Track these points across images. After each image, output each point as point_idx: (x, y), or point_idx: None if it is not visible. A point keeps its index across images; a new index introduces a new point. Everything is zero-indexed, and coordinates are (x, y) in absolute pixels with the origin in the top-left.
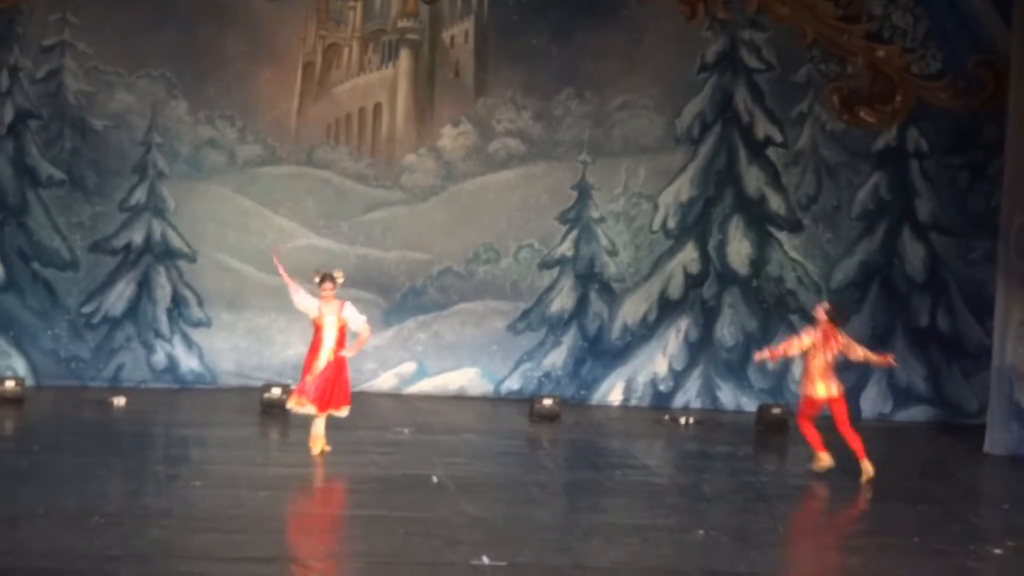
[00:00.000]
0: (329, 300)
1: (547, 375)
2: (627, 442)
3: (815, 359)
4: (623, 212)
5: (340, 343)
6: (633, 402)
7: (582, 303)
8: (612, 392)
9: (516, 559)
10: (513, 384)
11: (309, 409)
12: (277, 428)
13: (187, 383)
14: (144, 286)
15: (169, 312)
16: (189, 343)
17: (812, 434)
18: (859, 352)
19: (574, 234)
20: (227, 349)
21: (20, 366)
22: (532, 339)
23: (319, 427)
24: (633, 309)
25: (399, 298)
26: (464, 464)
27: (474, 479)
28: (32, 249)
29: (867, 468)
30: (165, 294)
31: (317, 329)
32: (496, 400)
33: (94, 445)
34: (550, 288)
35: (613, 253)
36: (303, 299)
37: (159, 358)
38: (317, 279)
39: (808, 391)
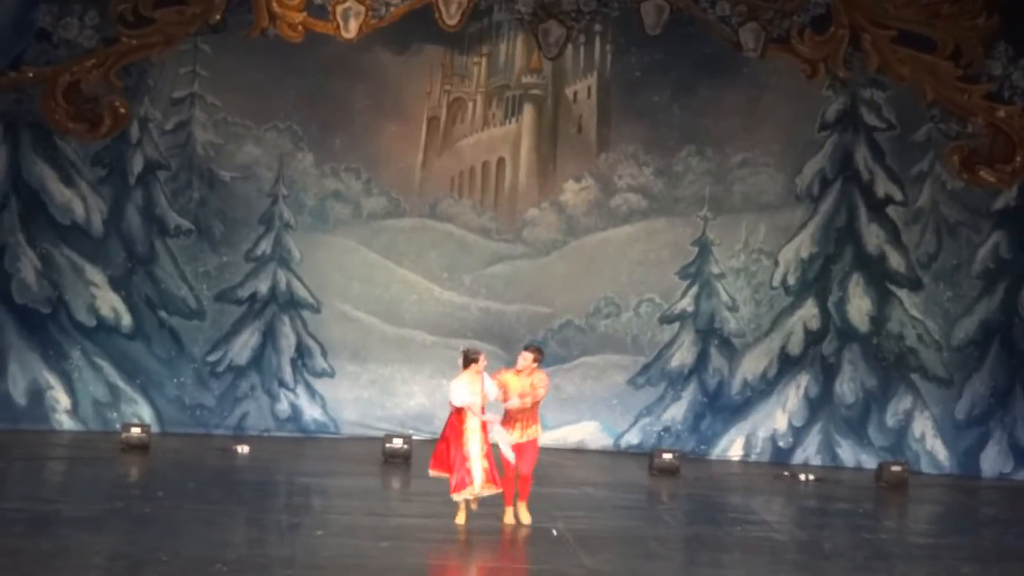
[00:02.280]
0: (476, 376)
1: (667, 429)
2: (747, 498)
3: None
4: (743, 268)
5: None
6: (753, 458)
7: (702, 358)
8: (732, 447)
9: None
10: (633, 438)
11: (495, 489)
12: (399, 478)
13: (310, 432)
14: (269, 335)
15: (293, 362)
16: (312, 393)
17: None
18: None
19: (694, 289)
20: (350, 399)
21: (146, 413)
22: (652, 393)
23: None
24: (753, 365)
25: (520, 351)
26: (584, 517)
27: (593, 532)
28: (159, 297)
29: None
30: (289, 344)
31: (461, 410)
32: (615, 454)
33: (217, 492)
34: (670, 343)
35: (733, 309)
36: (467, 399)
37: (283, 407)
38: (467, 359)
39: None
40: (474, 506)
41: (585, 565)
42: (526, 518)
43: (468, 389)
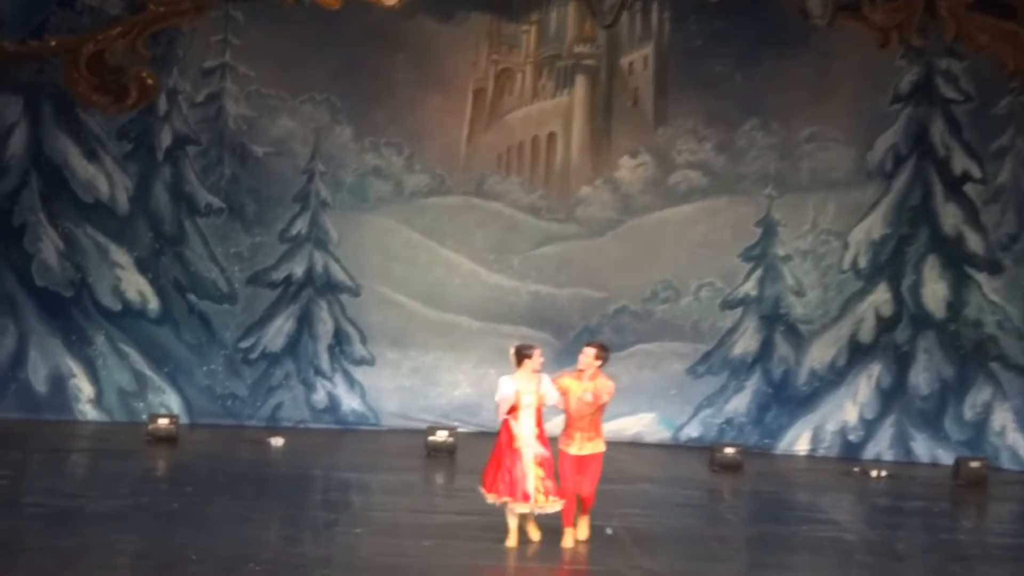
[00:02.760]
0: (530, 376)
1: (728, 422)
2: (814, 495)
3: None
4: (811, 250)
5: (541, 420)
6: (820, 452)
7: (766, 346)
8: (798, 441)
9: None
10: (692, 431)
11: (557, 504)
12: (443, 473)
13: (348, 424)
14: (304, 321)
15: (330, 349)
16: (351, 382)
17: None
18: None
19: (758, 273)
20: (391, 389)
21: (174, 403)
22: (713, 383)
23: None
24: (821, 353)
25: (572, 338)
26: (640, 515)
27: (651, 531)
28: (188, 280)
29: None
30: (327, 330)
31: (512, 409)
32: (674, 448)
33: (250, 488)
34: (732, 329)
35: (800, 293)
36: (503, 394)
37: (319, 397)
38: (519, 355)
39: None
40: (534, 534)
41: (642, 566)
42: (584, 533)
43: (521, 388)
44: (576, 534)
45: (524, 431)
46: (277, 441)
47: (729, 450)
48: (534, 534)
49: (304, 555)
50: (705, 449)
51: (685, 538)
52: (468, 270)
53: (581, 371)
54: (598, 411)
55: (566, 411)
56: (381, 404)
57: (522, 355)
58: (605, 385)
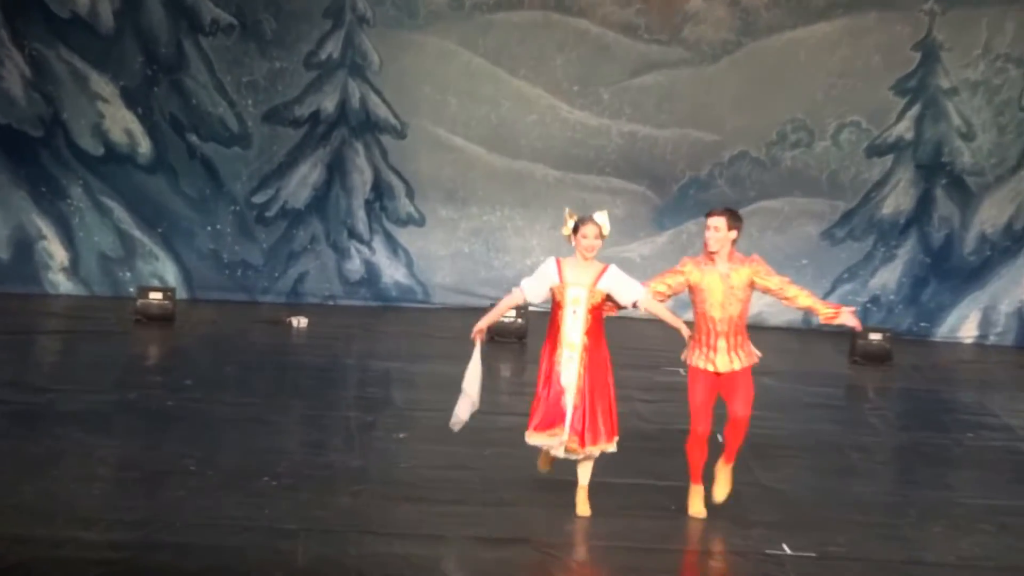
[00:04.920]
0: (586, 259)
1: (875, 300)
2: (982, 394)
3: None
4: (983, 81)
5: (596, 333)
6: (991, 339)
7: (924, 203)
8: (963, 326)
9: (827, 548)
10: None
11: (560, 450)
12: (509, 364)
13: (390, 300)
14: (336, 170)
15: (368, 205)
16: (394, 247)
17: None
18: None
19: (915, 110)
20: (444, 256)
21: (170, 272)
22: (855, 251)
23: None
24: (994, 213)
25: (677, 192)
26: (760, 419)
27: (773, 440)
28: (189, 117)
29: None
30: (364, 180)
31: (556, 307)
32: (805, 332)
33: (265, 381)
34: (881, 182)
35: (968, 137)
36: (532, 282)
37: (354, 266)
38: (570, 223)
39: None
40: (544, 468)
41: (761, 483)
42: (724, 491)
43: (568, 278)
44: (716, 492)
45: (567, 335)
46: (300, 321)
47: (875, 336)
48: (582, 505)
49: (332, 466)
50: (844, 335)
51: (817, 448)
52: (545, 105)
53: (712, 253)
54: (746, 304)
55: (697, 314)
56: (432, 275)
57: (576, 223)
58: (756, 268)
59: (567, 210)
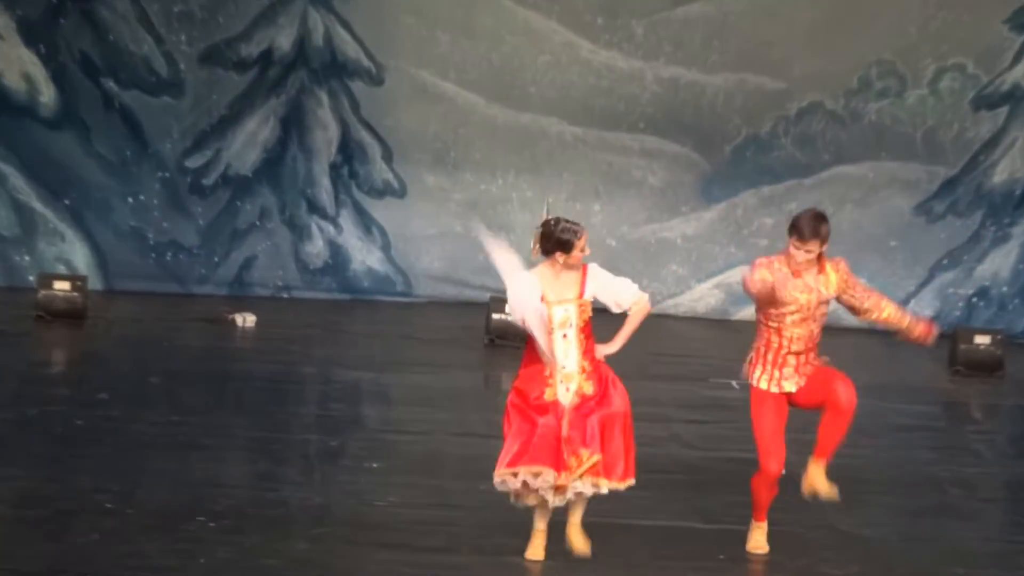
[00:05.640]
0: (559, 271)
1: (982, 294)
2: None
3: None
4: None
5: (590, 349)
6: None
7: None
8: None
9: None
10: (924, 306)
11: (552, 495)
12: (512, 372)
13: (361, 292)
14: (293, 125)
15: (334, 170)
16: (367, 224)
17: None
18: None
19: None
20: (431, 236)
21: (80, 257)
22: (959, 230)
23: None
24: None
25: (730, 154)
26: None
27: (852, 472)
28: (104, 57)
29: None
30: (328, 139)
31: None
32: (892, 336)
33: (201, 396)
34: (992, 142)
35: None
36: (518, 290)
37: (315, 249)
38: (554, 237)
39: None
40: (579, 542)
41: (835, 526)
42: (824, 486)
43: (548, 296)
44: (820, 485)
45: (561, 353)
46: (246, 319)
47: (982, 340)
48: (579, 541)
49: (286, 504)
50: (944, 337)
51: (905, 482)
52: (561, 43)
53: (793, 262)
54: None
55: (767, 327)
56: (414, 261)
57: (556, 236)
58: (847, 279)
59: (548, 200)
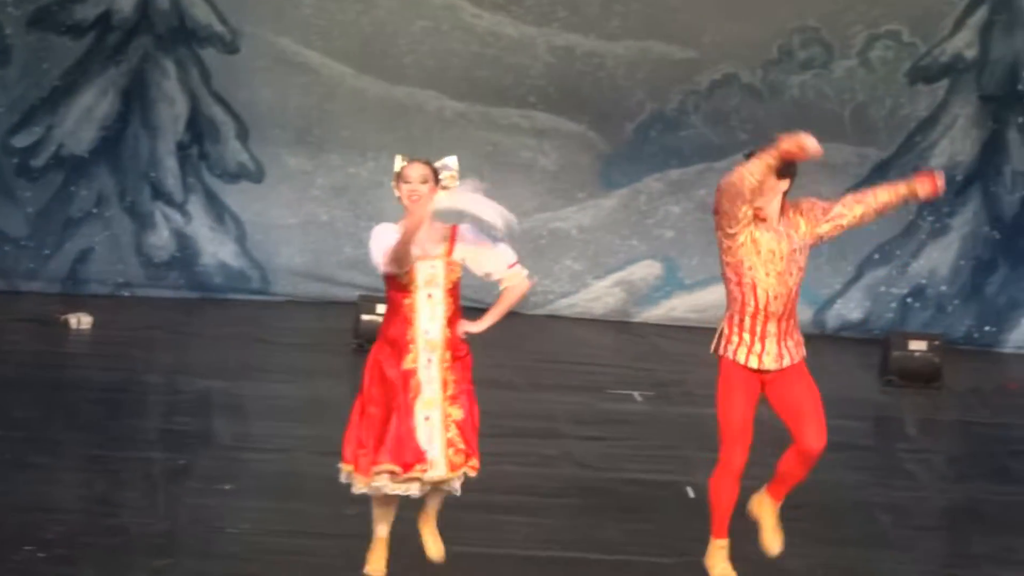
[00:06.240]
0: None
1: (918, 294)
2: None
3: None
4: None
5: (456, 317)
6: None
7: (992, 153)
8: None
9: None
10: (850, 310)
11: (389, 484)
12: None
13: (212, 290)
14: (135, 99)
15: (182, 151)
16: (219, 212)
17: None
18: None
19: (980, 15)
20: (292, 226)
21: None
22: (892, 222)
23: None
24: None
25: (632, 134)
26: (756, 463)
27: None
28: None
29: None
30: (176, 115)
31: (399, 294)
32: (817, 339)
33: (29, 407)
34: (930, 121)
35: None
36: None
37: (160, 240)
38: (398, 168)
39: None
40: (433, 548)
41: (749, 556)
42: (778, 539)
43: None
44: (768, 541)
45: (418, 327)
46: (81, 320)
47: (917, 346)
48: (435, 548)
49: (126, 531)
50: (874, 343)
51: (830, 507)
52: (440, 5)
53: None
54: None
55: (740, 287)
56: (273, 254)
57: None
58: (812, 215)
59: (398, 157)
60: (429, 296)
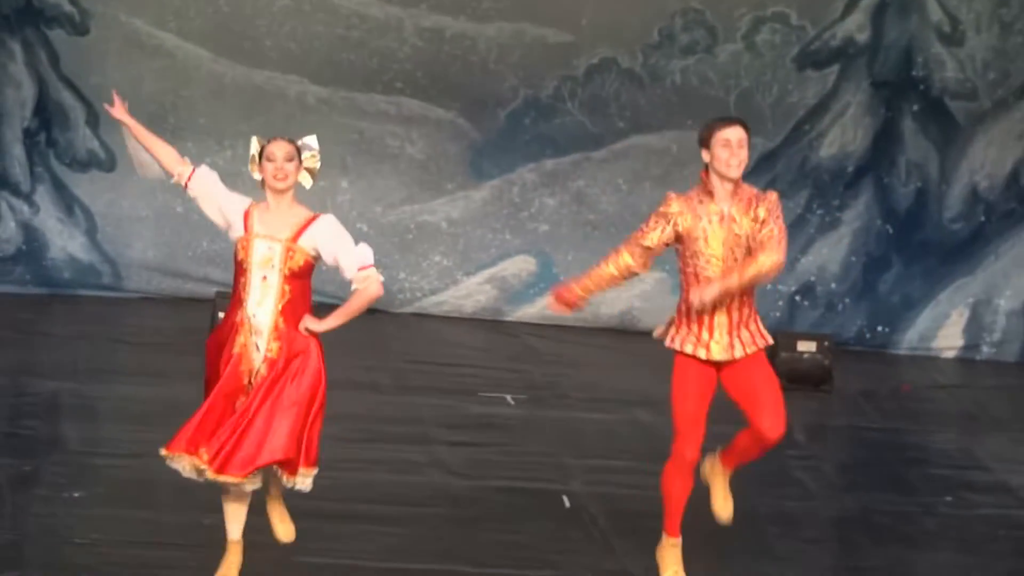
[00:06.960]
0: (278, 193)
1: (807, 291)
2: (968, 435)
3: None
4: None
5: (297, 314)
6: (985, 352)
7: (885, 142)
8: (942, 331)
9: None
10: None
11: (211, 473)
12: None
13: (60, 285)
14: None
15: (29, 138)
16: (68, 203)
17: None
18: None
19: None
20: (145, 218)
21: None
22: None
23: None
24: (992, 157)
25: (505, 121)
26: (630, 472)
27: (643, 504)
28: None
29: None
30: (21, 100)
31: (240, 271)
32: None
33: None
34: (819, 108)
35: (954, 40)
36: (210, 192)
37: (5, 233)
38: (256, 150)
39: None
40: (282, 529)
41: (626, 569)
42: (729, 506)
43: (258, 227)
44: (720, 507)
45: (251, 308)
46: None
47: (806, 346)
48: (282, 528)
49: None
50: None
51: (708, 518)
52: None
53: (719, 183)
54: (767, 270)
55: (687, 275)
56: (125, 248)
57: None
58: (769, 202)
59: (254, 138)
60: (264, 279)
